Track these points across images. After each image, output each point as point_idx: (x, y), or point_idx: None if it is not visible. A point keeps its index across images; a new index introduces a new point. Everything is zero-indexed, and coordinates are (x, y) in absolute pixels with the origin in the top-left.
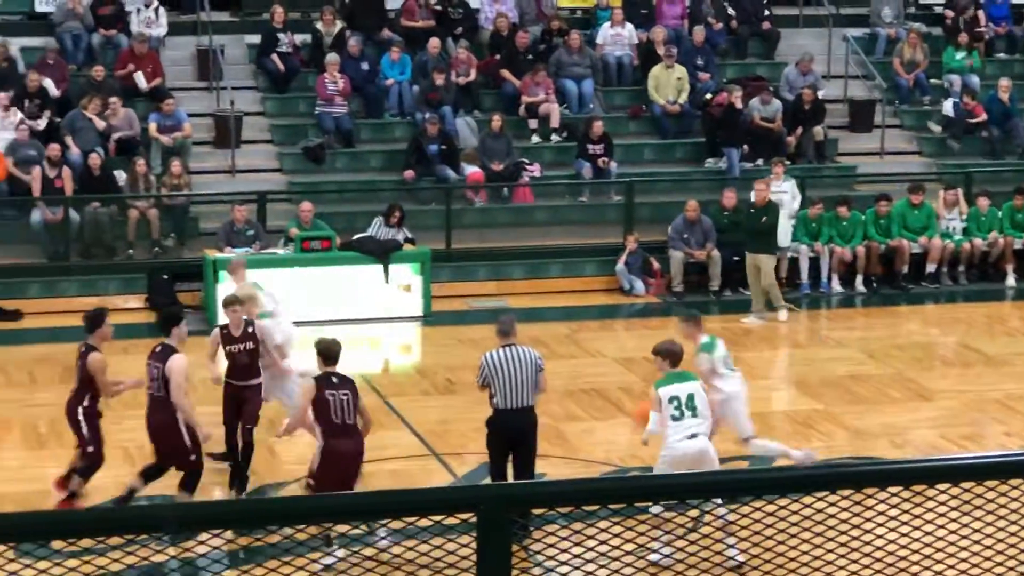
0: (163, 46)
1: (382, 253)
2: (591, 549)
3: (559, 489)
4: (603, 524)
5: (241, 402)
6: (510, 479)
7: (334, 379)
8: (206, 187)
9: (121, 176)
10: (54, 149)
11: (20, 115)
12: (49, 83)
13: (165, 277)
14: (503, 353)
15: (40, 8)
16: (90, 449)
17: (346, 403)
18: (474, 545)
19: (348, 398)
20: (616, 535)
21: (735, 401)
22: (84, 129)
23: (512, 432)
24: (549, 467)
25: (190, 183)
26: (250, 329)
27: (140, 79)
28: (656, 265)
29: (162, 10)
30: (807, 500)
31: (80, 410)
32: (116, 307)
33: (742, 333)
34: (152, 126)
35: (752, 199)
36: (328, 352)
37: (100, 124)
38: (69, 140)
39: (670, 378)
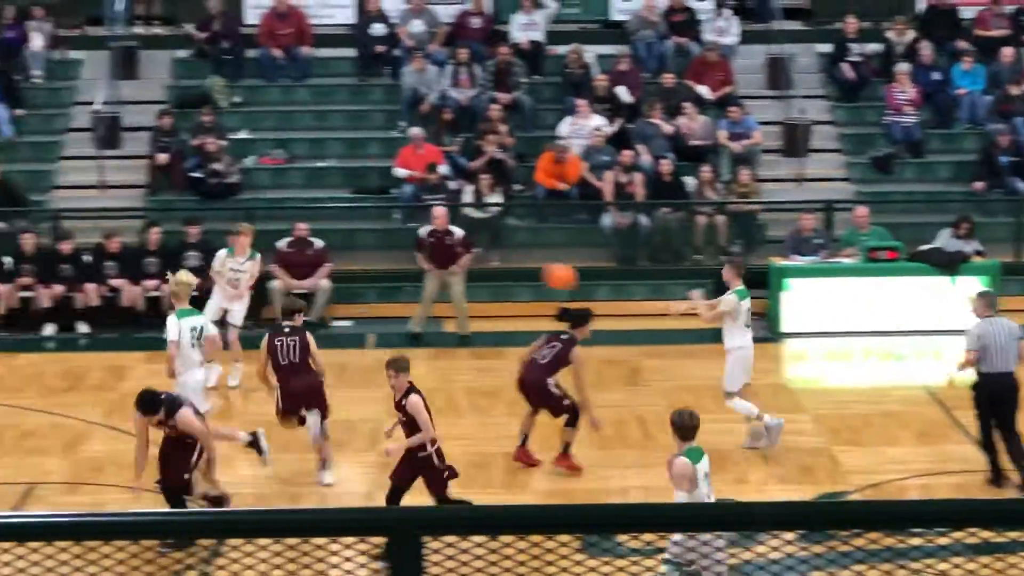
0: (734, 54)
1: (949, 265)
2: None
3: None
4: None
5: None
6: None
7: (286, 329)
8: (774, 195)
9: (690, 182)
10: (627, 155)
11: (597, 120)
12: (622, 89)
13: None
14: (988, 323)
15: (616, 16)
16: (566, 403)
17: (293, 347)
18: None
19: (296, 343)
20: None
21: (740, 356)
22: (654, 135)
23: (996, 393)
24: None
25: (758, 190)
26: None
27: (703, 91)
28: None
29: (735, 19)
30: None
31: (551, 382)
32: (682, 312)
33: None
34: (722, 133)
35: None
36: (289, 308)
37: (667, 130)
38: (640, 146)
39: (698, 453)
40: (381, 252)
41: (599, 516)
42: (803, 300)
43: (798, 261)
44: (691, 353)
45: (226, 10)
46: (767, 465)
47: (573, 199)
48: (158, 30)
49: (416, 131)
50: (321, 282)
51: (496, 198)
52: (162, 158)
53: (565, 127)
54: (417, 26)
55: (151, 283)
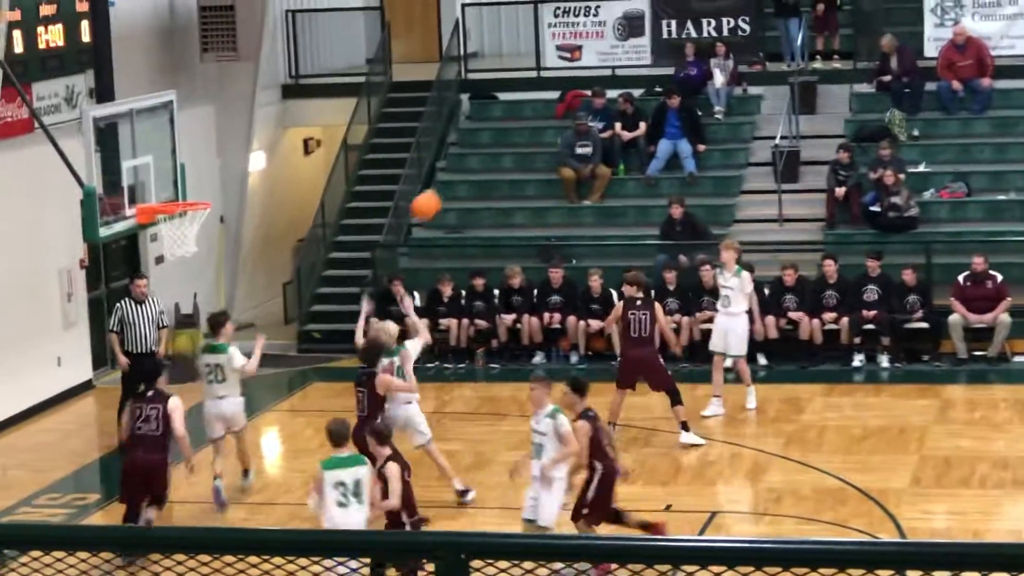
0: None
1: None
2: None
3: None
4: None
5: None
6: None
7: (638, 302)
8: None
9: None
10: None
11: None
12: None
13: None
14: None
15: None
16: None
17: (644, 320)
18: None
19: (647, 316)
20: None
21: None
22: None
23: None
24: None
25: None
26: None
27: None
28: None
29: None
30: None
31: None
32: None
33: None
34: None
35: None
36: (634, 280)
37: None
38: None
39: (337, 461)
40: None
41: None
42: None
43: None
44: None
45: (904, 44)
46: None
47: None
48: (837, 64)
49: None
50: (1001, 317)
51: None
52: (840, 191)
53: None
54: None
55: (829, 316)
